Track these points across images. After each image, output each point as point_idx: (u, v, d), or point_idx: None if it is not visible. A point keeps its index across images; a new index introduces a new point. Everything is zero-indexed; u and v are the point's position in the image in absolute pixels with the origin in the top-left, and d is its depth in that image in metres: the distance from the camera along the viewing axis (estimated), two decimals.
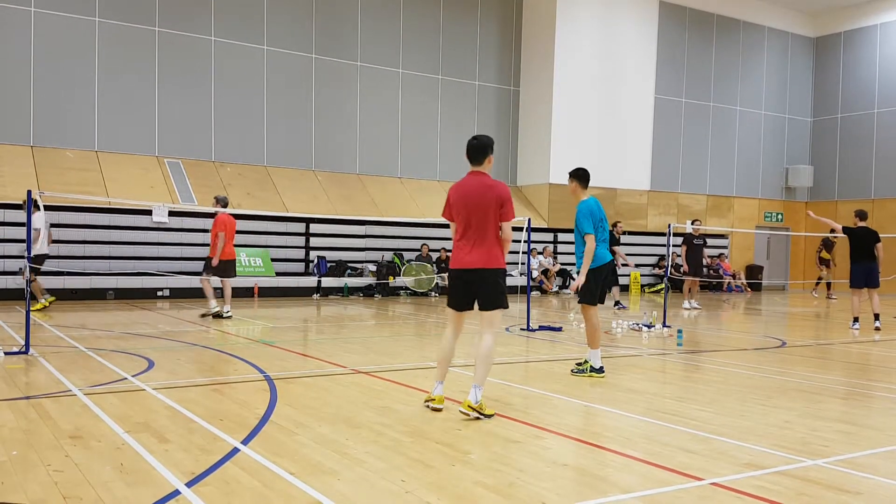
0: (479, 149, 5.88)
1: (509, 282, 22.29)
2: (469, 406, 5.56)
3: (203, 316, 13.04)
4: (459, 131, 22.53)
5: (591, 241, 7.52)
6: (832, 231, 22.70)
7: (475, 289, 5.89)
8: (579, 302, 7.63)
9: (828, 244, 22.58)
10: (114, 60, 17.72)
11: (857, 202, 26.53)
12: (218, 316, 12.88)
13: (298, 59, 19.95)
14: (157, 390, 6.40)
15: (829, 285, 22.84)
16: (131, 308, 14.37)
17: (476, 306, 6.05)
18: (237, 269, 14.17)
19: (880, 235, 13.13)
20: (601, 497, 3.90)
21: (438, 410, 5.79)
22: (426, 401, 5.98)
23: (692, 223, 17.33)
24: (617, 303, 16.38)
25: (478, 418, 5.52)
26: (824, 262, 22.66)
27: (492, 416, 5.61)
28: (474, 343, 6.13)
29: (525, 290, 13.30)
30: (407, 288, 19.80)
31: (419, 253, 20.01)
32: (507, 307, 5.98)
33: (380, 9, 21.05)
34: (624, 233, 17.11)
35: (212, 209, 13.25)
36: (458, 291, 6.01)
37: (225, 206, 12.93)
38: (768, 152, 27.48)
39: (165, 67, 18.29)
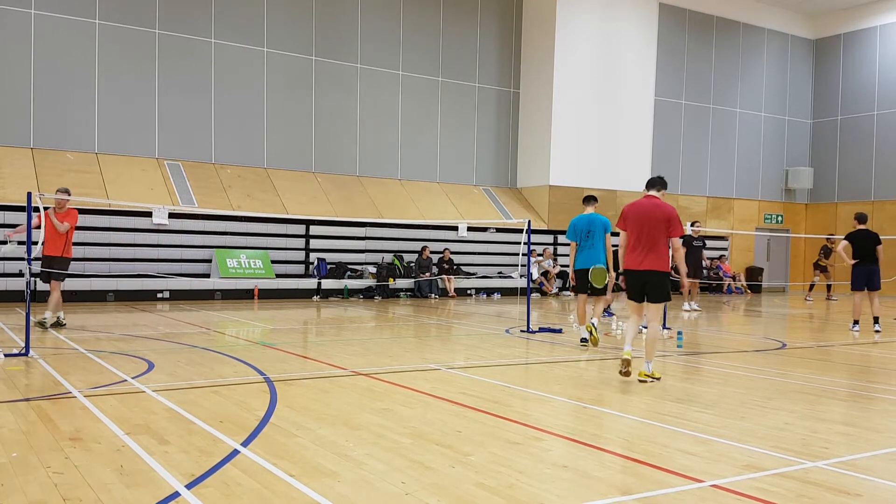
0: (657, 181, 7.78)
1: (508, 283, 22.38)
2: (644, 374, 7.33)
3: (52, 326, 11.03)
4: (459, 133, 22.57)
5: (573, 247, 10.14)
6: (830, 236, 22.79)
7: (647, 285, 7.51)
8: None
9: (827, 252, 22.54)
10: (114, 62, 17.73)
11: (857, 204, 26.54)
12: (49, 325, 10.91)
13: (298, 61, 19.97)
14: (156, 392, 6.40)
15: (828, 287, 22.83)
16: (131, 310, 14.37)
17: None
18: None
19: (881, 237, 13.10)
20: (601, 499, 3.90)
21: (627, 367, 7.24)
22: (623, 362, 7.28)
23: (692, 225, 17.33)
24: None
25: (652, 382, 7.28)
26: (820, 268, 22.60)
27: (660, 378, 7.39)
28: (644, 330, 7.91)
29: (525, 292, 13.30)
30: (408, 290, 19.81)
31: (419, 255, 20.01)
32: (669, 300, 7.74)
33: (380, 11, 21.07)
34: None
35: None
36: (634, 288, 7.63)
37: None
38: (768, 154, 27.50)
39: (165, 69, 18.30)
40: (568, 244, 10.98)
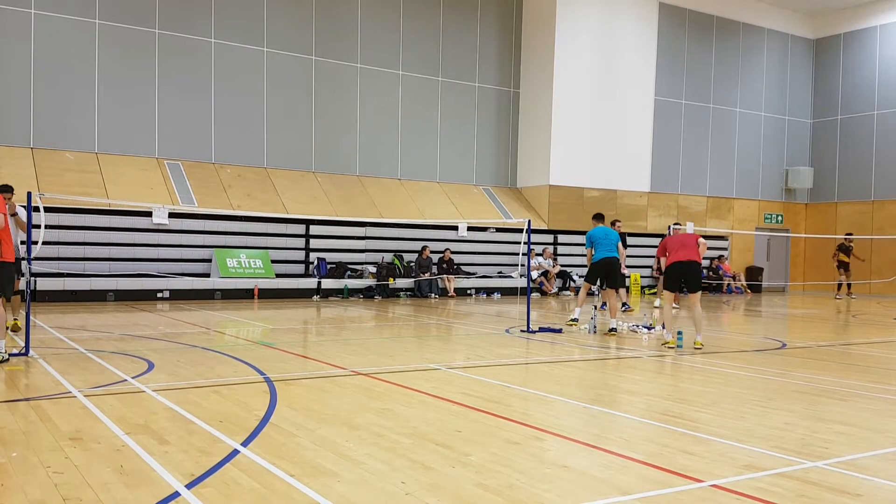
0: (681, 225, 10.35)
1: (508, 283, 22.35)
2: (698, 343, 9.93)
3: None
4: (459, 133, 22.57)
5: (589, 251, 12.50)
6: (848, 235, 22.83)
7: (686, 274, 10.09)
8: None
9: (844, 248, 22.49)
10: (114, 62, 17.73)
11: (857, 204, 26.57)
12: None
13: (298, 61, 19.97)
14: (156, 392, 6.40)
15: (848, 286, 22.80)
16: (131, 310, 14.37)
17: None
18: None
19: (880, 237, 12.94)
20: (601, 499, 3.90)
21: (672, 348, 9.85)
22: (664, 343, 10.04)
23: (671, 226, 17.61)
24: (623, 304, 16.31)
25: (702, 347, 9.86)
26: (843, 266, 22.55)
27: (702, 346, 9.92)
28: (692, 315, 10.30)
29: (525, 292, 13.32)
30: (408, 290, 19.81)
31: (419, 254, 20.00)
32: (701, 289, 10.38)
33: (380, 10, 21.07)
34: (624, 233, 17.14)
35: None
36: (676, 278, 10.21)
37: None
38: (768, 154, 27.49)
39: (165, 69, 18.30)
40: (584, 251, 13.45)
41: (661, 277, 11.33)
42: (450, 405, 6.10)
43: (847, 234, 22.97)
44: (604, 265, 12.21)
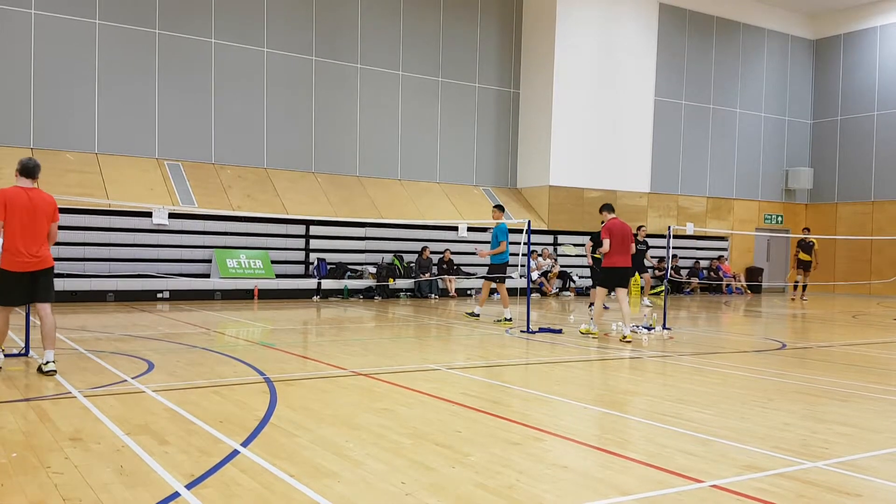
0: (611, 206, 11.44)
1: (508, 283, 22.47)
2: (628, 337, 10.70)
3: None
4: (459, 133, 22.57)
5: (502, 245, 13.23)
6: (805, 230, 22.74)
7: (623, 278, 11.12)
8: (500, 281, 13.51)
9: (804, 246, 22.02)
10: (114, 63, 17.73)
11: (856, 204, 26.56)
12: None
13: (298, 62, 19.97)
14: (156, 392, 6.40)
15: (804, 287, 22.35)
16: (131, 310, 14.37)
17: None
18: None
19: (880, 238, 12.95)
20: (601, 499, 3.90)
21: (629, 343, 10.46)
22: (622, 339, 10.67)
23: (638, 229, 18.09)
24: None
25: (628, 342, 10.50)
26: (802, 265, 22.14)
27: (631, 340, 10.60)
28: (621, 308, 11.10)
29: (525, 292, 13.33)
30: (408, 290, 19.81)
31: (419, 255, 20.00)
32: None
33: (380, 11, 21.07)
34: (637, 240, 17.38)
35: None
36: (615, 279, 11.08)
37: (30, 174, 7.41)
38: (768, 154, 27.49)
39: (165, 70, 18.30)
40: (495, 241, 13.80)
41: (596, 271, 12.17)
42: (450, 405, 6.11)
43: (805, 229, 22.73)
44: (505, 265, 13.41)
